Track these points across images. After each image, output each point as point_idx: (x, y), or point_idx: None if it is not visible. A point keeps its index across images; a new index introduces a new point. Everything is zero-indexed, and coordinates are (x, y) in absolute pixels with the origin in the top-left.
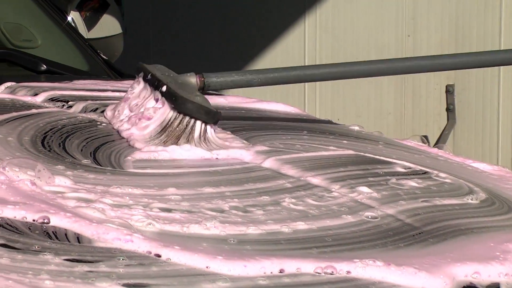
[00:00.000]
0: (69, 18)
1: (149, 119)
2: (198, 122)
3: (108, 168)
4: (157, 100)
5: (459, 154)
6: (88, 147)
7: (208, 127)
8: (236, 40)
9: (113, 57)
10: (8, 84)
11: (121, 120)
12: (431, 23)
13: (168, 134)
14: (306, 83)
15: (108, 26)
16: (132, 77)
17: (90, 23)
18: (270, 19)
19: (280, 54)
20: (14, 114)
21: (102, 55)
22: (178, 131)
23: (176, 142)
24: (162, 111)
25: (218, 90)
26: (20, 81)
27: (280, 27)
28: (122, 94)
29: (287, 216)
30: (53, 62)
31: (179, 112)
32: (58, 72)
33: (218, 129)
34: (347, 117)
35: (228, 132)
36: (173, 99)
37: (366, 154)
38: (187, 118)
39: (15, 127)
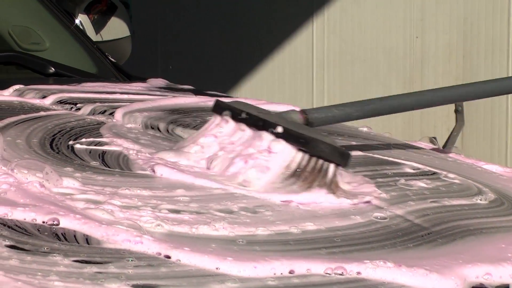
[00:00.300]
0: (77, 21)
1: (266, 162)
2: (332, 165)
3: (117, 170)
4: (269, 142)
5: (470, 156)
6: (96, 149)
7: (339, 169)
8: (245, 42)
9: (121, 60)
10: (17, 86)
11: (206, 158)
12: (439, 24)
13: (302, 179)
14: (314, 84)
15: (116, 28)
16: (140, 79)
17: (98, 26)
18: (278, 21)
19: (288, 57)
20: (23, 116)
21: (110, 58)
22: (312, 175)
23: (309, 187)
24: (284, 154)
25: (319, 126)
26: (29, 83)
27: (288, 29)
28: (131, 96)
29: (296, 217)
30: (61, 64)
31: (311, 155)
32: (66, 75)
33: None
34: None
35: (351, 172)
36: (301, 140)
37: (375, 155)
38: (321, 161)
39: (24, 130)
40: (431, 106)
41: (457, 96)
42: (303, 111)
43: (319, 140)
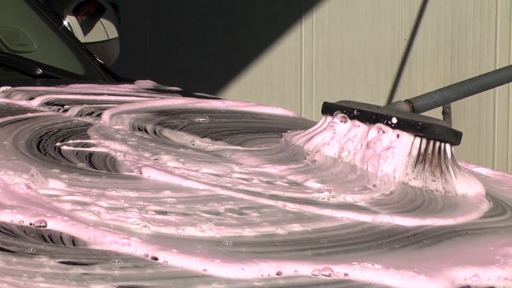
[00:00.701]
0: (65, 23)
1: (393, 156)
2: (448, 145)
3: (104, 171)
4: (387, 133)
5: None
6: (83, 150)
7: (453, 150)
8: (234, 44)
9: (109, 61)
10: (4, 88)
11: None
12: (427, 26)
13: (429, 164)
14: (302, 86)
15: (105, 30)
16: (128, 80)
17: (86, 27)
18: (267, 23)
19: (276, 58)
20: (10, 118)
21: (98, 59)
22: (435, 158)
23: (441, 172)
24: (404, 143)
25: (423, 112)
26: (16, 85)
27: (277, 31)
28: (118, 98)
29: (282, 218)
30: (49, 66)
31: (429, 139)
32: (54, 76)
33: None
34: None
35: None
36: (418, 127)
37: None
38: (438, 142)
39: (11, 131)
40: None
41: None
42: (408, 101)
43: (435, 124)
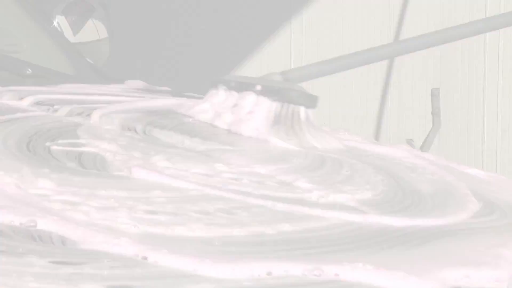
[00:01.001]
0: (55, 22)
1: (251, 116)
2: (302, 108)
3: (93, 171)
4: (251, 99)
5: (450, 159)
6: (73, 150)
7: (309, 112)
8: (222, 44)
9: (99, 61)
10: None
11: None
12: (416, 27)
13: (282, 124)
14: None
15: (94, 30)
16: (118, 81)
17: (76, 27)
18: (256, 24)
19: (266, 59)
20: None
21: (88, 59)
22: (288, 121)
23: (294, 132)
24: (264, 107)
25: (298, 82)
26: (5, 85)
27: (266, 31)
28: (108, 97)
29: (272, 218)
30: (39, 66)
31: (283, 102)
32: (43, 76)
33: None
34: (333, 120)
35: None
36: (274, 92)
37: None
38: (292, 105)
39: (0, 131)
40: (399, 55)
41: (420, 44)
42: (282, 72)
43: (288, 88)
